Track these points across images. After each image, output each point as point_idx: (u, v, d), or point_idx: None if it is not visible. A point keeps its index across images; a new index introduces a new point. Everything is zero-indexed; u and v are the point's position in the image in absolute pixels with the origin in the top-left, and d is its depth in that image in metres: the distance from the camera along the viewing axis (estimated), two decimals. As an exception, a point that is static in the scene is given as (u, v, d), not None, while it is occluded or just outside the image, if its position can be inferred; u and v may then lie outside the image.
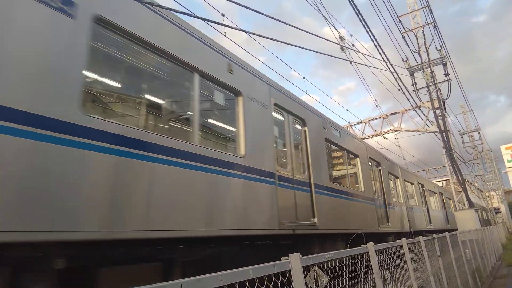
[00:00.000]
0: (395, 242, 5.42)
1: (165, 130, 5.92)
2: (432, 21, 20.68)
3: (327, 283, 3.16)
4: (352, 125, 24.07)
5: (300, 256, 2.49)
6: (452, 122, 38.59)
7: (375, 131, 23.38)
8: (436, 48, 20.77)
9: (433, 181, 27.27)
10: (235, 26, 7.09)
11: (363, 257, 3.98)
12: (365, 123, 23.84)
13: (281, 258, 2.41)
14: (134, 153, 4.02)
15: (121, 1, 4.32)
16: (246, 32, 6.59)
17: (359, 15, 12.43)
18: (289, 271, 2.35)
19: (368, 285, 3.95)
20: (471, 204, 18.86)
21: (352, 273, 3.61)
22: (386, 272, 4.68)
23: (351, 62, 13.07)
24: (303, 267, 2.53)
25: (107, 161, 3.72)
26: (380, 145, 22.89)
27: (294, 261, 2.40)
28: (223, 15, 8.80)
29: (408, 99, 19.18)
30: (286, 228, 6.43)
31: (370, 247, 4.13)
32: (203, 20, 5.48)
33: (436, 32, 20.73)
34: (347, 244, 8.69)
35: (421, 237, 6.83)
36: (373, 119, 23.83)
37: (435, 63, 20.59)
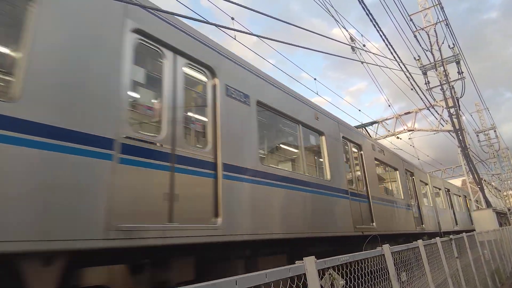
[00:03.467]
0: (411, 244, 5.35)
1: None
2: (444, 18, 20.43)
3: (343, 286, 3.13)
4: (365, 125, 23.84)
5: (315, 259, 2.48)
6: (467, 120, 37.89)
7: (388, 131, 23.10)
8: (449, 46, 20.48)
9: (450, 181, 26.65)
10: (245, 30, 7.12)
11: (379, 259, 3.94)
12: (378, 124, 23.57)
13: (296, 262, 2.40)
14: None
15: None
16: (255, 35, 6.60)
17: (369, 15, 12.35)
18: (304, 274, 2.34)
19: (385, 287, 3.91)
20: (488, 204, 18.49)
21: (369, 275, 3.58)
22: (402, 274, 4.63)
23: (362, 62, 12.98)
24: (318, 270, 2.51)
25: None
26: (394, 145, 22.65)
27: (309, 265, 2.39)
28: (232, 18, 8.85)
29: (421, 98, 18.95)
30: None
31: (386, 249, 4.09)
32: (214, 25, 5.51)
33: (448, 30, 20.46)
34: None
35: (437, 238, 6.73)
36: (386, 119, 23.51)
37: (448, 61, 20.27)
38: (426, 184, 17.46)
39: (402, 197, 12.85)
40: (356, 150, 10.12)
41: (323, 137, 8.24)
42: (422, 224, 14.34)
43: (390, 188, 13.05)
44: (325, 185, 7.74)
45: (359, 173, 10.01)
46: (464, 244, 8.41)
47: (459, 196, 24.30)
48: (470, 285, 7.66)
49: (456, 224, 20.67)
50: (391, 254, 4.18)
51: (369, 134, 14.10)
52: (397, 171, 13.35)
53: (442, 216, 17.92)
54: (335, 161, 8.39)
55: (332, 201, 7.84)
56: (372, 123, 14.85)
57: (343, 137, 9.14)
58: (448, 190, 21.42)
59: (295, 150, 8.31)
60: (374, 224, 9.48)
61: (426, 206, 15.76)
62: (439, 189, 19.43)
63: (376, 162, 11.30)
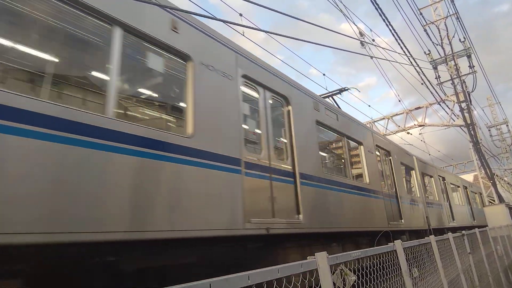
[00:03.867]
0: (423, 239, 5.31)
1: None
2: (454, 12, 20.17)
3: (355, 282, 3.11)
4: (375, 121, 23.70)
5: (327, 255, 2.46)
6: (478, 115, 37.48)
7: (399, 126, 22.94)
8: (460, 39, 20.25)
9: (461, 176, 25.92)
10: (253, 26, 7.10)
11: (391, 255, 3.91)
12: (388, 119, 23.42)
13: (307, 257, 2.39)
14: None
15: None
16: (263, 31, 6.58)
17: (378, 9, 12.22)
18: (316, 270, 2.34)
19: (397, 284, 3.89)
20: (501, 199, 18.27)
21: (380, 271, 3.56)
22: (414, 270, 4.59)
23: (371, 57, 12.87)
24: (330, 266, 2.50)
25: None
26: (404, 140, 22.48)
27: (321, 260, 2.37)
28: (241, 15, 8.86)
29: (432, 93, 18.74)
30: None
31: (398, 245, 4.05)
32: (222, 21, 5.51)
33: (458, 23, 20.20)
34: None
35: (449, 233, 6.67)
36: (396, 114, 23.35)
37: (459, 55, 20.06)
38: (412, 169, 13.94)
39: (367, 182, 9.30)
40: (279, 104, 6.86)
41: (190, 65, 4.87)
42: (401, 219, 10.75)
43: (346, 168, 9.21)
44: (180, 146, 4.35)
45: (281, 137, 6.81)
46: (477, 239, 8.34)
47: (458, 186, 20.51)
48: (483, 281, 7.58)
49: (453, 219, 16.97)
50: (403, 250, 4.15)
51: (336, 103, 11.09)
52: (361, 146, 9.69)
53: (434, 210, 14.62)
54: (215, 109, 5.12)
55: (196, 175, 4.48)
56: (341, 91, 11.31)
57: (245, 76, 5.89)
58: (443, 179, 17.83)
59: (98, 73, 4.77)
60: (300, 216, 6.20)
61: (409, 196, 12.28)
62: (431, 176, 15.97)
63: (320, 127, 7.96)
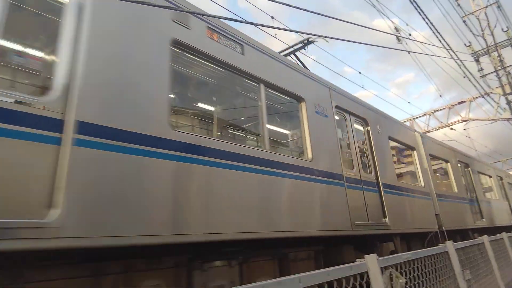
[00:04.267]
0: (476, 240, 5.05)
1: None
2: (495, 1, 19.24)
3: (406, 283, 2.98)
4: (415, 118, 22.95)
5: (377, 257, 2.37)
6: (527, 107, 35.32)
7: (441, 122, 22.07)
8: (502, 29, 19.29)
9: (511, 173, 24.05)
10: (285, 27, 7.05)
11: (441, 257, 3.73)
12: (430, 115, 22.60)
13: (356, 260, 2.31)
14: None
15: None
16: (295, 31, 6.53)
17: (413, 2, 11.87)
18: (367, 272, 2.25)
19: (449, 286, 3.71)
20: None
21: (431, 274, 3.39)
22: (466, 272, 4.36)
23: (409, 52, 12.48)
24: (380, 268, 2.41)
25: None
26: (447, 137, 21.58)
27: (371, 263, 2.28)
28: (272, 17, 8.84)
29: (475, 86, 17.94)
30: None
31: (450, 246, 3.86)
32: (253, 24, 5.51)
33: (500, 12, 19.24)
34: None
35: (503, 233, 6.31)
36: (438, 110, 22.50)
37: (502, 45, 19.11)
38: (414, 149, 9.93)
39: (309, 158, 5.67)
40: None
41: None
42: (385, 217, 7.04)
43: (261, 134, 5.41)
44: None
45: (42, 51, 3.53)
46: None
47: (490, 176, 15.78)
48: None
49: (482, 217, 12.70)
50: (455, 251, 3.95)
51: (301, 62, 8.10)
52: (302, 104, 6.03)
53: (450, 205, 10.46)
54: None
55: None
56: (305, 44, 8.20)
57: None
58: (466, 166, 13.44)
59: None
60: (56, 212, 2.62)
61: (405, 185, 8.53)
62: (446, 161, 11.72)
63: (186, 53, 4.51)
